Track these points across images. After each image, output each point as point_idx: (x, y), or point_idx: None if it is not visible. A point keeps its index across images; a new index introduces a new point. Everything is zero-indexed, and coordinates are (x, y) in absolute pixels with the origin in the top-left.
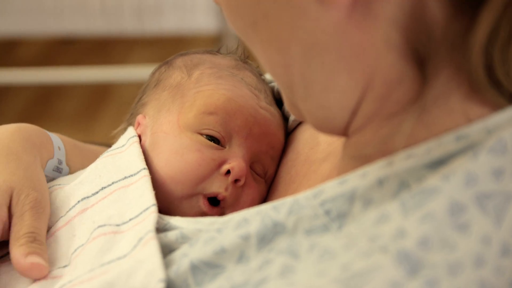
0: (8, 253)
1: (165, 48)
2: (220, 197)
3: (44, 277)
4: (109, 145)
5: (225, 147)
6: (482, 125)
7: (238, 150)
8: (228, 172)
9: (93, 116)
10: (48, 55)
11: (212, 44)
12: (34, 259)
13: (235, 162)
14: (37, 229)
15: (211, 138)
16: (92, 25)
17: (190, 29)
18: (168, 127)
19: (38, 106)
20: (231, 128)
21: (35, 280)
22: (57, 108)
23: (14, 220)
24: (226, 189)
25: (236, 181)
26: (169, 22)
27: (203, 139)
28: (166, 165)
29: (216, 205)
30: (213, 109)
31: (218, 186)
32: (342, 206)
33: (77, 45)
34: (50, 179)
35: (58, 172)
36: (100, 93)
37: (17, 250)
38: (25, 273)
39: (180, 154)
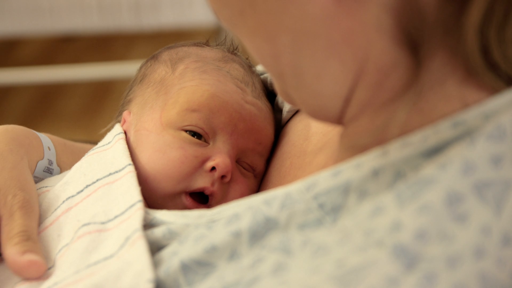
0: None
1: (165, 43)
2: (207, 192)
3: (41, 275)
4: None
5: (209, 144)
6: (479, 110)
7: (222, 146)
8: (213, 169)
9: (95, 113)
10: (48, 54)
11: (211, 37)
12: (31, 257)
13: (219, 158)
14: (29, 228)
15: (194, 134)
16: (91, 22)
17: (189, 23)
18: (150, 125)
19: (40, 105)
20: (215, 124)
21: (21, 281)
22: (59, 107)
23: (4, 221)
24: (212, 184)
25: (222, 177)
26: (167, 16)
27: (186, 135)
28: (148, 163)
29: (205, 203)
30: (196, 106)
31: (203, 182)
32: (336, 199)
33: (77, 43)
34: (40, 180)
35: (49, 172)
36: (101, 90)
37: (11, 249)
38: (22, 272)
39: (162, 151)
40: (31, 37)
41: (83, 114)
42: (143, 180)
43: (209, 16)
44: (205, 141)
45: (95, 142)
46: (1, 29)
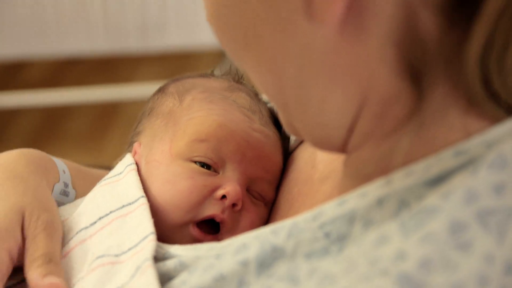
0: (23, 280)
1: (171, 65)
2: (217, 219)
3: None
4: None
5: (219, 173)
6: (481, 139)
7: (232, 174)
8: (224, 197)
9: (101, 135)
10: (54, 76)
11: (217, 59)
12: (52, 279)
13: (230, 186)
14: (52, 250)
15: (203, 164)
16: (96, 44)
17: (194, 45)
18: (160, 156)
19: (46, 127)
20: (223, 154)
21: None
22: (65, 129)
23: (28, 243)
24: (222, 212)
25: (233, 205)
26: (173, 39)
27: (195, 166)
28: (159, 194)
29: (215, 232)
30: (204, 136)
31: (213, 209)
32: (342, 228)
33: (82, 65)
34: (57, 204)
35: (65, 195)
36: (107, 112)
37: (34, 272)
38: None
39: (172, 182)
40: (37, 59)
41: (90, 136)
42: (154, 211)
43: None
44: (215, 170)
45: (102, 165)
46: (7, 52)
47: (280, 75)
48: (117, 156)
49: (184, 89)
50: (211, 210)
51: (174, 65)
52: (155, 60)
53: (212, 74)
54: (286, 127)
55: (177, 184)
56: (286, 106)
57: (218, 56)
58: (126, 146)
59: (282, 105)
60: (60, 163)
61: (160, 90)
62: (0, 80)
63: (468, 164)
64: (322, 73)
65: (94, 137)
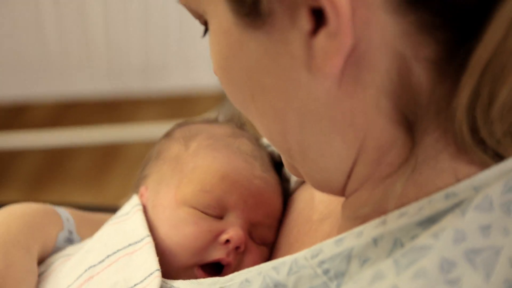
0: None
1: (172, 106)
2: (223, 262)
3: None
4: (118, 208)
5: (222, 218)
6: (469, 183)
7: (235, 220)
8: (228, 241)
9: (103, 176)
10: (56, 117)
11: (217, 101)
12: None
13: (233, 231)
14: None
15: (207, 212)
16: (99, 85)
17: (195, 87)
18: (166, 201)
19: (48, 169)
20: (226, 202)
21: None
22: (67, 170)
23: None
24: (227, 255)
25: (236, 248)
26: (174, 80)
27: (199, 212)
28: (166, 238)
29: (218, 273)
30: (209, 187)
31: (219, 254)
32: (339, 265)
33: (84, 106)
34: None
35: (70, 242)
36: (109, 153)
37: None
38: None
39: (177, 227)
40: (39, 101)
41: (91, 176)
42: (160, 253)
43: (215, 80)
44: (218, 216)
45: (103, 205)
46: (11, 92)
47: (283, 123)
48: (119, 196)
49: (190, 135)
50: (217, 254)
51: (174, 107)
52: (156, 102)
53: (216, 120)
54: (288, 169)
55: (183, 230)
56: (289, 151)
57: (218, 98)
58: (131, 187)
59: (285, 150)
60: (63, 212)
61: (167, 135)
62: (3, 120)
63: (456, 206)
64: (323, 121)
65: (96, 177)
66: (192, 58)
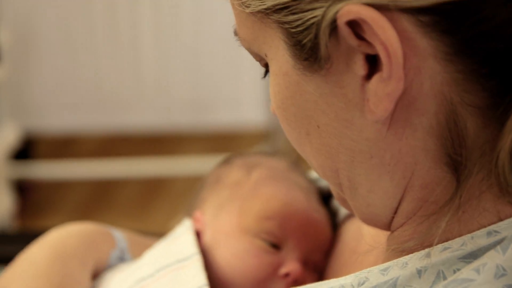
0: None
1: (216, 142)
2: None
3: None
4: (163, 235)
5: (281, 248)
6: (510, 222)
7: (292, 252)
8: (287, 274)
9: (147, 208)
10: (104, 149)
11: (261, 138)
12: None
13: (292, 266)
14: None
15: (268, 242)
16: (147, 119)
17: (240, 123)
18: (228, 228)
19: (94, 199)
20: (287, 231)
21: None
22: (112, 201)
23: None
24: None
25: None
26: (220, 116)
27: (261, 244)
28: (227, 266)
29: None
30: (271, 214)
31: (278, 286)
32: None
33: (132, 139)
34: None
35: (122, 261)
36: (154, 185)
37: None
38: None
39: (241, 257)
40: (89, 133)
41: (136, 208)
42: (217, 278)
43: (260, 118)
44: (278, 246)
45: (149, 233)
46: (62, 125)
47: (335, 160)
48: (162, 227)
49: (252, 164)
50: (276, 287)
51: (219, 142)
52: (201, 136)
53: (272, 154)
54: (339, 202)
55: (246, 261)
56: (340, 186)
57: (262, 135)
58: (179, 213)
59: (336, 185)
60: (116, 232)
61: (226, 162)
62: (55, 150)
63: (498, 243)
64: (372, 160)
65: (140, 209)
66: (237, 95)
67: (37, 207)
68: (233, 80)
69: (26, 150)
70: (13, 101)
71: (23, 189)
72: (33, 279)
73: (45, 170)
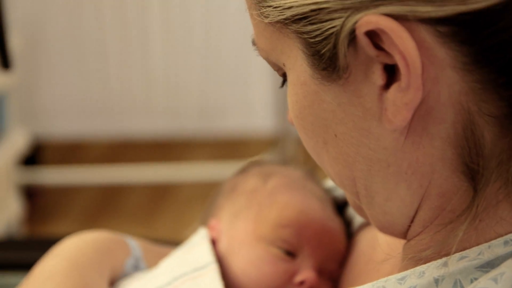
0: None
1: (224, 148)
2: None
3: None
4: (170, 242)
5: (296, 256)
6: None
7: (308, 260)
8: (302, 282)
9: (154, 214)
10: (111, 155)
11: (269, 145)
12: None
13: (307, 274)
14: None
15: (284, 250)
16: (155, 125)
17: (248, 130)
18: (244, 236)
19: (101, 204)
20: (302, 239)
21: None
22: (119, 206)
23: None
24: None
25: None
26: (228, 123)
27: (277, 251)
28: (242, 274)
29: None
30: (287, 222)
31: None
32: None
33: (140, 145)
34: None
35: (137, 269)
36: (161, 191)
37: None
38: None
39: (256, 265)
40: (97, 138)
41: (143, 214)
42: (232, 286)
43: (269, 124)
44: (294, 254)
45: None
46: (70, 131)
47: (352, 169)
48: (169, 233)
49: (268, 172)
50: None
51: (227, 149)
52: (209, 143)
53: (288, 163)
54: (355, 210)
55: (261, 268)
56: (357, 195)
57: (271, 142)
58: (198, 220)
59: (353, 193)
60: (131, 241)
61: (242, 171)
62: (62, 156)
63: None
64: (390, 169)
65: (147, 215)
66: (246, 102)
67: (45, 212)
68: (242, 86)
69: (34, 156)
70: (22, 107)
71: (31, 195)
72: None
73: (53, 175)
